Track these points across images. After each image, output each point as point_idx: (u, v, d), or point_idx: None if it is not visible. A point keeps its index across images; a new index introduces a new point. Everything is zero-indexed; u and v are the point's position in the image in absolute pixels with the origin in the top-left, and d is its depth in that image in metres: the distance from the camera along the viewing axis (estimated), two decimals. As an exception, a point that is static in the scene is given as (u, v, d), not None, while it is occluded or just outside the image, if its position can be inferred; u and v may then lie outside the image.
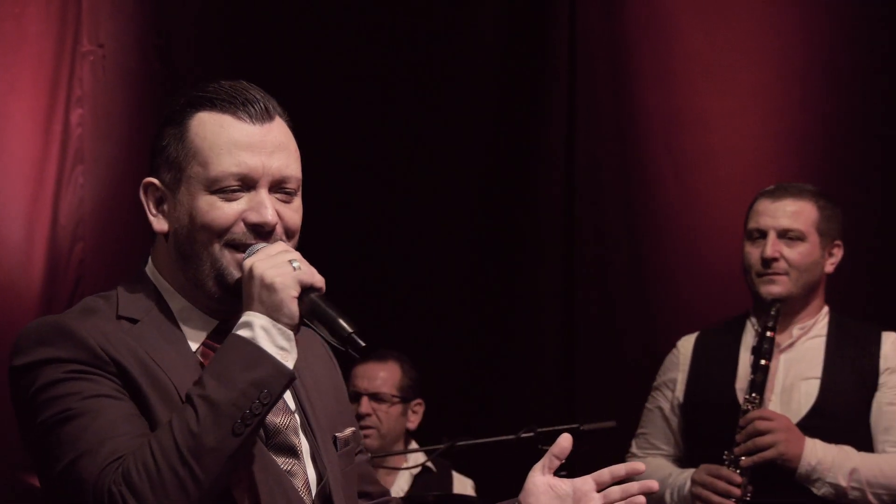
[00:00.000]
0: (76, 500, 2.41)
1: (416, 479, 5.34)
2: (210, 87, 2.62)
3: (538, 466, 2.68)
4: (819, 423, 4.36)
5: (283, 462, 2.59)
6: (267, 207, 2.55)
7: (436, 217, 6.40)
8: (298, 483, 2.60)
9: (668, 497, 4.47)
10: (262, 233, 2.55)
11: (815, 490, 4.31)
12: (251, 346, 2.44)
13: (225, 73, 5.83)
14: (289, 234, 2.60)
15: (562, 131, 6.25)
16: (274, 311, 2.46)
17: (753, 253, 4.46)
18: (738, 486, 4.27)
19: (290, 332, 2.47)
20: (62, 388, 2.45)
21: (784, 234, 4.42)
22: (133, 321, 2.56)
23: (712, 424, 4.47)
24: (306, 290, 2.48)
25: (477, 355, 6.37)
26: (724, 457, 4.32)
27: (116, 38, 5.92)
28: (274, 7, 6.23)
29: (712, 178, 5.93)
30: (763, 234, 4.45)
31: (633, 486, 2.61)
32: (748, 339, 4.53)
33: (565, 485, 2.67)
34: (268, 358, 2.43)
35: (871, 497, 4.31)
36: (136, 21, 6.00)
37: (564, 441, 2.66)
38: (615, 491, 2.62)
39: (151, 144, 2.63)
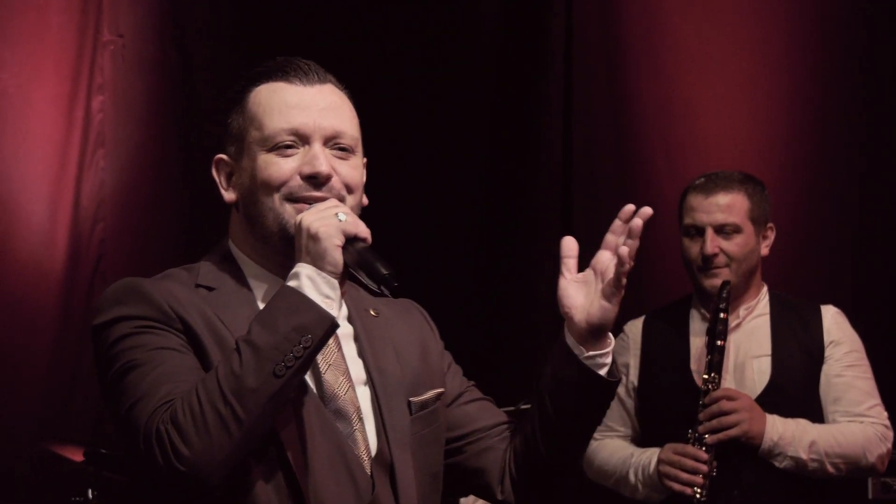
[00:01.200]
0: (134, 442, 2.45)
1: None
2: (265, 64, 2.71)
3: (561, 276, 2.72)
4: (774, 398, 4.42)
5: (343, 426, 2.60)
6: (319, 158, 2.60)
7: (440, 199, 6.39)
8: (359, 448, 2.61)
9: (632, 476, 4.51)
10: (317, 183, 2.60)
11: (776, 463, 4.35)
12: (296, 294, 2.47)
13: (236, 62, 6.06)
14: (349, 189, 2.65)
15: (559, 118, 6.27)
16: (319, 260, 2.49)
17: (692, 248, 4.50)
18: (704, 462, 4.30)
19: (335, 281, 2.49)
20: (130, 341, 2.52)
21: (720, 230, 4.45)
22: (210, 289, 2.64)
23: (669, 405, 4.51)
24: (350, 239, 2.52)
25: (477, 330, 6.34)
26: (689, 435, 4.35)
27: (135, 29, 6.01)
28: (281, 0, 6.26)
29: (701, 163, 5.79)
30: (700, 231, 4.48)
31: (634, 223, 2.68)
32: (695, 323, 4.58)
33: (586, 273, 2.71)
34: (310, 304, 2.46)
35: (829, 467, 4.37)
36: (154, 12, 6.07)
37: (568, 242, 2.74)
38: (620, 240, 2.68)
39: (223, 126, 2.73)
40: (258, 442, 2.45)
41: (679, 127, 6.16)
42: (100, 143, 5.96)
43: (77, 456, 5.02)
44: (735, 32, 6.11)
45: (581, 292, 2.71)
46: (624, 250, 2.64)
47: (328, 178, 2.61)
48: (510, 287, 6.46)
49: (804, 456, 4.34)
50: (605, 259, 2.71)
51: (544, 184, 6.36)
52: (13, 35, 5.77)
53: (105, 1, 5.96)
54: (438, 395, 2.78)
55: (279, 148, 2.61)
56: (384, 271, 2.49)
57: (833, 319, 4.53)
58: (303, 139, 2.62)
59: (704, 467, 4.29)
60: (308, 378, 2.58)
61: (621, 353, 4.65)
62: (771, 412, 4.37)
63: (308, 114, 2.62)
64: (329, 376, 2.62)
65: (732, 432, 4.30)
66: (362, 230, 2.53)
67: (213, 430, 2.38)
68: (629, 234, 2.68)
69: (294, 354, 2.42)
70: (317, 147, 2.61)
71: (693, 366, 4.50)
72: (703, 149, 6.09)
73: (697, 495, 4.29)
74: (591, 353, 2.69)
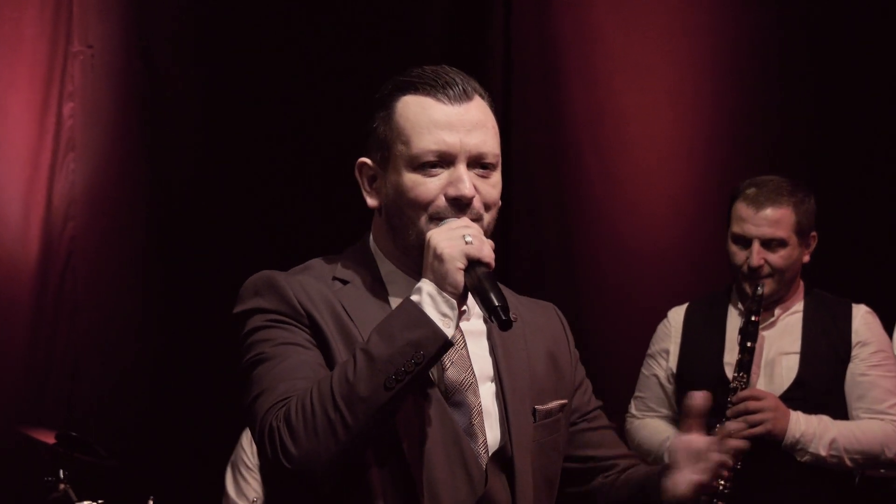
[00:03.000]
0: (253, 431, 2.51)
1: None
2: (414, 73, 2.66)
3: (683, 428, 2.76)
4: (800, 394, 4.49)
5: (462, 420, 2.61)
6: (465, 182, 2.57)
7: None
8: (477, 442, 2.61)
9: (667, 458, 4.39)
10: (461, 206, 2.58)
11: (798, 458, 4.43)
12: (416, 310, 2.46)
13: (198, 71, 6.23)
14: (486, 207, 2.62)
15: (499, 124, 6.30)
16: (441, 280, 2.48)
17: (739, 255, 4.54)
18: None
19: (454, 301, 2.47)
20: (261, 334, 2.58)
21: (767, 244, 4.50)
22: (344, 282, 2.65)
23: None
24: (473, 262, 2.49)
25: None
26: (716, 430, 4.43)
27: (103, 40, 6.13)
28: (239, 14, 6.30)
29: (631, 167, 6.11)
30: (747, 242, 4.52)
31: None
32: (732, 317, 4.65)
33: (699, 441, 2.76)
34: (428, 322, 2.45)
35: (847, 462, 4.45)
36: (121, 25, 6.17)
37: (694, 400, 2.77)
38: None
39: (364, 127, 2.71)
40: (365, 446, 2.46)
41: (610, 132, 6.26)
42: (70, 147, 6.07)
43: (49, 439, 5.12)
44: (662, 44, 6.24)
45: (692, 459, 2.78)
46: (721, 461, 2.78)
47: (471, 200, 2.59)
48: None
49: (824, 453, 4.42)
50: (711, 447, 2.79)
51: None
52: (-12, 46, 5.82)
53: (75, 14, 6.06)
54: (562, 406, 2.77)
55: (425, 168, 2.59)
56: (496, 303, 2.46)
57: (863, 319, 4.59)
58: (448, 160, 2.59)
59: (730, 461, 4.45)
60: (432, 372, 2.58)
61: (663, 339, 4.78)
62: (796, 408, 4.45)
63: (455, 135, 2.59)
64: (452, 371, 2.63)
65: (757, 430, 4.36)
66: (486, 255, 2.50)
67: (322, 433, 2.40)
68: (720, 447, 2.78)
69: (405, 369, 2.42)
70: (461, 169, 2.59)
71: (726, 359, 4.60)
72: (633, 152, 6.23)
73: (721, 486, 4.31)
74: None
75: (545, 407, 2.72)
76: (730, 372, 4.52)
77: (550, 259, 6.47)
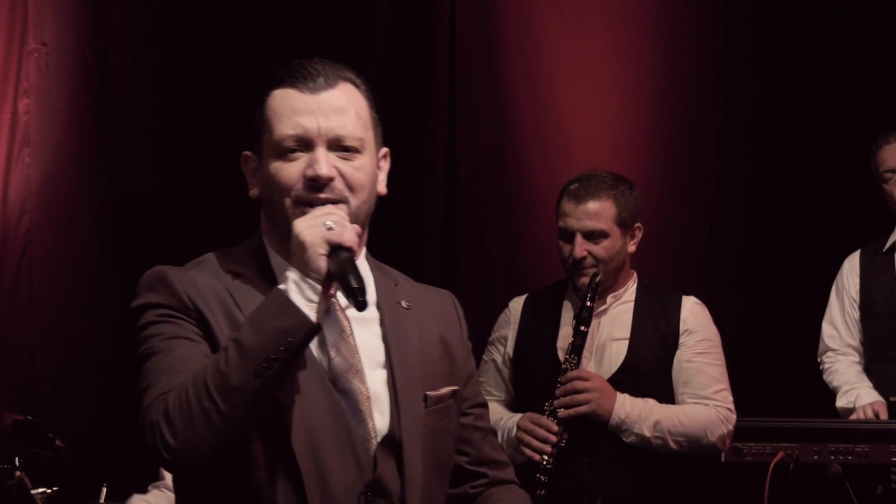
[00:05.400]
0: (140, 425, 2.53)
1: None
2: (282, 68, 2.72)
3: None
4: (628, 377, 4.61)
5: (349, 406, 2.63)
6: (320, 162, 2.62)
7: None
8: (364, 428, 2.64)
9: (500, 437, 4.59)
10: (318, 186, 2.62)
11: (623, 438, 4.55)
12: (282, 298, 2.50)
13: (150, 69, 6.28)
14: (351, 189, 2.66)
15: (444, 120, 6.45)
16: (304, 267, 2.51)
17: (565, 249, 4.67)
18: (554, 433, 4.49)
19: (319, 287, 2.51)
20: (152, 329, 2.62)
21: (589, 236, 4.62)
22: (236, 275, 2.68)
23: (536, 377, 4.70)
24: (335, 248, 2.53)
25: None
26: (545, 408, 4.54)
27: (58, 38, 6.14)
28: (188, 13, 6.35)
29: (573, 162, 6.05)
30: (571, 235, 4.64)
31: None
32: (567, 307, 4.77)
33: None
34: (294, 309, 2.48)
35: (672, 444, 4.56)
36: (75, 24, 6.18)
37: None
38: None
39: (245, 122, 2.78)
40: (244, 434, 2.49)
41: (553, 128, 6.37)
42: (25, 143, 6.09)
43: (6, 427, 5.06)
44: (604, 41, 6.36)
45: None
46: None
47: (329, 180, 2.62)
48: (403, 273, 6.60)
49: (648, 434, 4.55)
50: None
51: (431, 184, 6.53)
52: (-56, 43, 5.89)
53: (30, 12, 6.07)
54: (454, 393, 2.80)
55: (286, 154, 2.65)
56: (354, 284, 2.50)
57: (691, 310, 4.73)
58: (307, 144, 2.64)
59: (554, 438, 4.50)
60: (320, 360, 2.64)
61: (503, 326, 4.89)
62: (624, 391, 4.58)
63: (312, 119, 2.64)
64: (339, 359, 2.66)
65: (582, 409, 4.52)
66: (347, 240, 2.54)
67: (198, 423, 2.43)
68: None
69: (275, 356, 2.45)
70: (320, 151, 2.63)
71: (559, 343, 4.71)
72: (575, 148, 6.32)
73: (545, 462, 4.48)
74: None
75: (437, 393, 2.75)
76: (562, 356, 4.63)
77: (495, 254, 6.53)
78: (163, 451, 2.46)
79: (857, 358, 5.84)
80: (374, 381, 2.69)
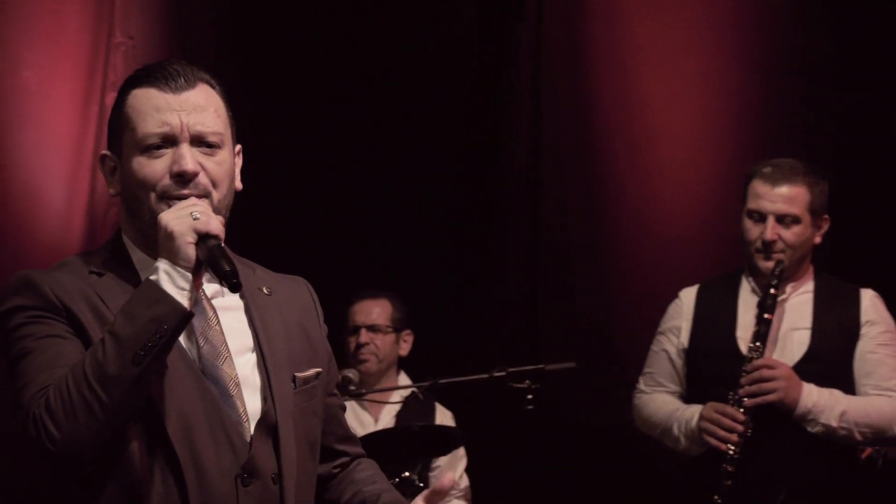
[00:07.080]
0: (20, 424, 2.61)
1: (404, 407, 5.60)
2: (142, 69, 2.82)
3: (420, 498, 2.85)
4: (811, 367, 4.62)
5: (221, 392, 2.73)
6: (185, 157, 2.71)
7: (426, 190, 6.59)
8: (237, 412, 2.74)
9: (675, 428, 4.71)
10: (184, 181, 2.71)
11: (808, 428, 4.57)
12: (154, 287, 2.59)
13: (236, 61, 6.32)
14: (214, 184, 2.76)
15: (528, 115, 6.49)
16: (173, 256, 2.61)
17: (753, 230, 4.68)
18: (741, 423, 4.52)
19: (189, 275, 2.61)
20: (22, 330, 2.67)
21: (781, 219, 4.64)
22: (100, 274, 2.75)
23: (714, 367, 4.70)
24: (203, 236, 2.63)
25: (456, 306, 6.60)
26: (730, 397, 4.56)
27: (144, 32, 6.17)
28: (273, 9, 6.43)
29: (657, 157, 6.21)
30: (762, 217, 4.65)
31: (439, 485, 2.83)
32: (744, 293, 4.77)
33: None
34: (166, 297, 2.58)
35: (857, 435, 4.58)
36: (161, 17, 6.24)
37: (446, 481, 2.82)
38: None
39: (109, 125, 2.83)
40: (124, 421, 2.58)
41: (637, 121, 6.36)
42: None
43: None
44: (689, 34, 6.34)
45: None
46: None
47: (194, 175, 2.72)
48: (486, 269, 6.66)
49: (835, 424, 4.55)
50: None
51: (516, 174, 6.60)
52: (34, 37, 5.89)
53: (117, 6, 6.11)
54: (318, 374, 2.91)
55: (150, 150, 2.72)
56: (226, 268, 2.61)
57: (871, 301, 4.73)
58: (171, 140, 2.72)
59: (741, 427, 4.52)
60: (188, 349, 2.73)
61: (675, 317, 4.90)
62: (807, 380, 4.58)
63: (175, 117, 2.72)
64: (207, 347, 2.75)
65: (770, 398, 4.54)
66: (213, 228, 2.64)
67: (80, 413, 2.52)
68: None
69: (151, 343, 2.55)
70: (184, 147, 2.72)
71: (738, 333, 4.72)
72: (660, 141, 6.33)
73: (731, 452, 4.52)
74: None
75: (303, 374, 2.86)
76: (742, 346, 4.65)
77: (579, 248, 6.56)
78: (48, 443, 2.54)
79: None
80: (243, 366, 2.79)
